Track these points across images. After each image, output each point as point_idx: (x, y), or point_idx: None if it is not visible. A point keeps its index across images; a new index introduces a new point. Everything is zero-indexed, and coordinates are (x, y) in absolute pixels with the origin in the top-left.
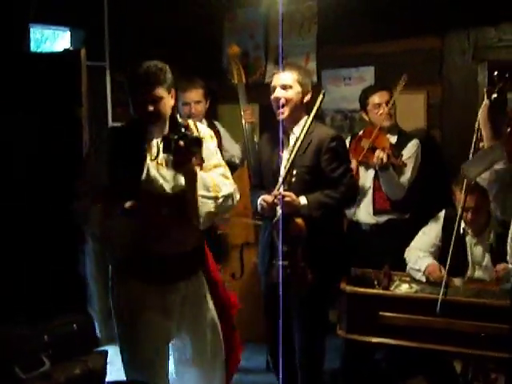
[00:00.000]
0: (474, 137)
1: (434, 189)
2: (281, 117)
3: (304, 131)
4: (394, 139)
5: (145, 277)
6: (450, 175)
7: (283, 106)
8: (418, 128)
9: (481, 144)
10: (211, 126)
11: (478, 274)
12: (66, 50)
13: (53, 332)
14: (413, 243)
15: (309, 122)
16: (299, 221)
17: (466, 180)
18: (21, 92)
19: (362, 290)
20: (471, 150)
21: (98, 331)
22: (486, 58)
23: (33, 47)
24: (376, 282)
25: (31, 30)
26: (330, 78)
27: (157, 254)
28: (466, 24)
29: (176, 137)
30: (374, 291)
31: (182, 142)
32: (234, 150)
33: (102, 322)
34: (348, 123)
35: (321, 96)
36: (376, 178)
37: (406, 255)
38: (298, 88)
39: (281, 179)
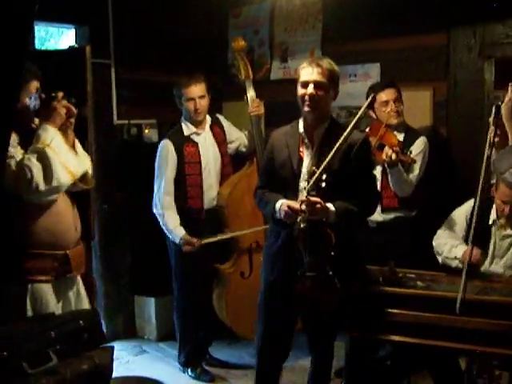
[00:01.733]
0: (491, 133)
1: (441, 186)
2: (310, 113)
3: (345, 134)
4: (401, 136)
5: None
6: (456, 172)
7: (314, 103)
8: (424, 125)
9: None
10: (214, 119)
11: (495, 267)
12: (70, 48)
13: (60, 328)
14: (441, 232)
15: (353, 123)
16: (329, 229)
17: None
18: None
19: (367, 287)
20: (486, 147)
21: (103, 327)
22: (492, 55)
23: (37, 44)
24: (381, 279)
25: (36, 27)
26: None
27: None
28: (472, 20)
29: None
30: (380, 288)
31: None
32: (240, 139)
33: (107, 317)
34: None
35: (370, 98)
36: (384, 175)
37: (435, 244)
38: (330, 87)
39: (303, 183)
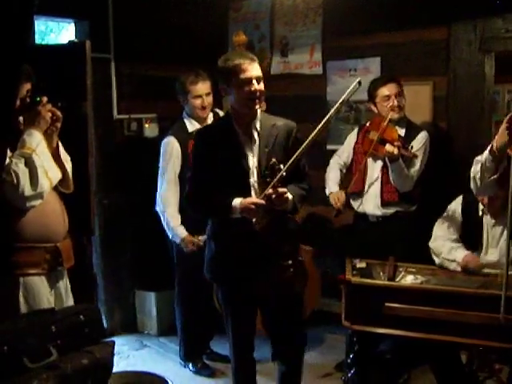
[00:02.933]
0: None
1: (441, 181)
2: (255, 108)
3: (327, 117)
4: (402, 131)
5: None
6: (456, 167)
7: (261, 99)
8: (424, 119)
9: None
10: (215, 115)
11: (491, 257)
12: (70, 42)
13: (60, 323)
14: (438, 233)
15: (336, 107)
16: (292, 216)
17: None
18: (36, 84)
19: (367, 281)
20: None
21: (104, 322)
22: (492, 49)
23: (37, 39)
24: (381, 274)
25: (36, 21)
26: (335, 69)
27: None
28: (472, 15)
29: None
30: (380, 282)
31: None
32: None
33: (108, 312)
34: (353, 114)
35: (355, 84)
36: (384, 169)
37: (432, 246)
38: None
39: (254, 179)
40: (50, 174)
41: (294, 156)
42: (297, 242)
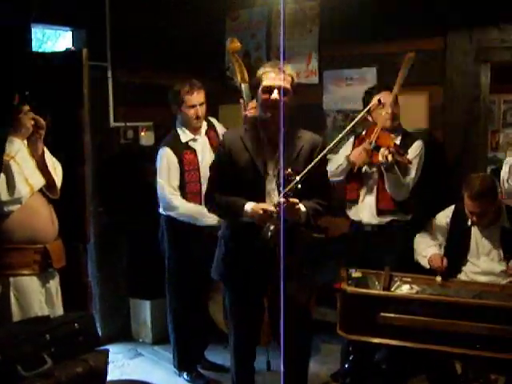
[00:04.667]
0: None
1: (437, 190)
2: (273, 118)
3: (340, 136)
4: (397, 140)
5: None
6: (451, 176)
7: (277, 109)
8: (419, 129)
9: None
10: (209, 123)
11: (484, 264)
12: (67, 50)
13: (54, 331)
14: (421, 234)
15: (352, 124)
16: (305, 230)
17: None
18: (22, 92)
19: (363, 290)
20: None
21: (99, 330)
22: (488, 59)
23: (34, 47)
24: (377, 283)
25: (33, 29)
26: (331, 79)
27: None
28: (468, 25)
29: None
30: (375, 292)
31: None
32: None
33: (102, 320)
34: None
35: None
36: (380, 178)
37: (415, 242)
38: (291, 93)
39: (270, 186)
40: (30, 180)
41: (307, 168)
42: (304, 256)
